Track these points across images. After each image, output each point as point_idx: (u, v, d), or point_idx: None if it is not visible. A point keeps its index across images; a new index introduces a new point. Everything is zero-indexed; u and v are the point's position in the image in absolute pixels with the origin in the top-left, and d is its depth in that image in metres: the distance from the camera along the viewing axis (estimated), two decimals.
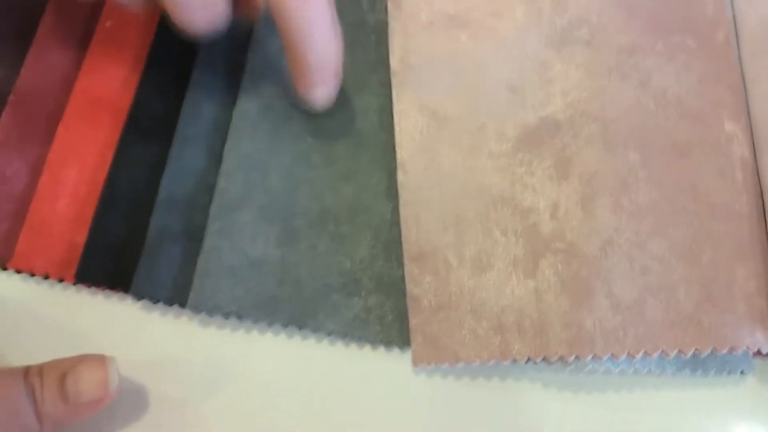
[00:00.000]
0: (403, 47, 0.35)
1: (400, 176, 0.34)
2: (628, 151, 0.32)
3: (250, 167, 0.35)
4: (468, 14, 0.35)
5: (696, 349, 0.29)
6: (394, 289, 0.33)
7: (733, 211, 0.31)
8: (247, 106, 0.35)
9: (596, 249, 0.31)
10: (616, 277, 0.30)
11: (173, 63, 0.36)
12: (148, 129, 0.35)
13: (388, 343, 0.32)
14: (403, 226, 0.33)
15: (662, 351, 0.29)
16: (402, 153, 0.34)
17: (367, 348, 0.33)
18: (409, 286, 0.32)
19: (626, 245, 0.31)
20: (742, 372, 0.31)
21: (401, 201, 0.34)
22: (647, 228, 0.31)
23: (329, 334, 0.33)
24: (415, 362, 0.31)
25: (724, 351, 0.29)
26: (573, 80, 0.33)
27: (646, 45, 0.33)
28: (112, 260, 0.33)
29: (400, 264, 0.33)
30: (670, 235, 0.31)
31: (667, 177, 0.31)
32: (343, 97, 0.36)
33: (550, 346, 0.30)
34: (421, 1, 0.36)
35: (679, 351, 0.29)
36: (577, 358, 0.30)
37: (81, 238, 0.33)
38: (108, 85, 0.36)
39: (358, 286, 0.33)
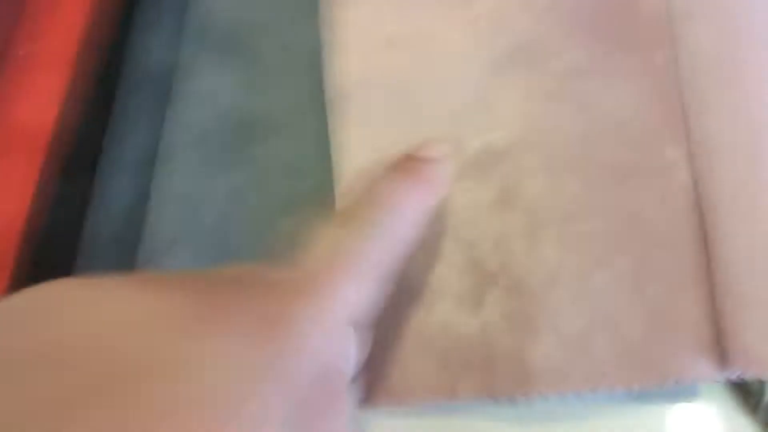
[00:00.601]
0: (338, 73, 0.34)
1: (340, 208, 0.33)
2: (571, 179, 0.31)
3: (181, 204, 0.33)
4: (406, 38, 0.34)
5: (643, 385, 0.29)
6: None
7: (676, 238, 0.30)
8: (175, 137, 0.34)
9: (542, 283, 0.30)
10: (562, 311, 0.30)
11: (96, 90, 0.34)
12: (71, 163, 0.33)
13: None
14: None
15: (609, 387, 0.29)
16: (342, 185, 0.33)
17: None
18: None
19: (571, 278, 0.30)
20: (688, 398, 0.31)
21: None
22: (591, 259, 0.30)
23: None
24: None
25: (671, 383, 0.29)
26: (513, 106, 0.32)
27: (585, 67, 0.32)
28: None
29: None
30: (614, 265, 0.30)
31: (609, 205, 0.31)
32: (277, 124, 0.34)
33: (496, 385, 0.29)
34: (357, 25, 0.34)
35: (626, 387, 0.29)
36: (524, 396, 0.29)
37: (1, 286, 0.31)
38: (25, 116, 0.33)
39: None
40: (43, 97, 0.34)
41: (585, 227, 0.31)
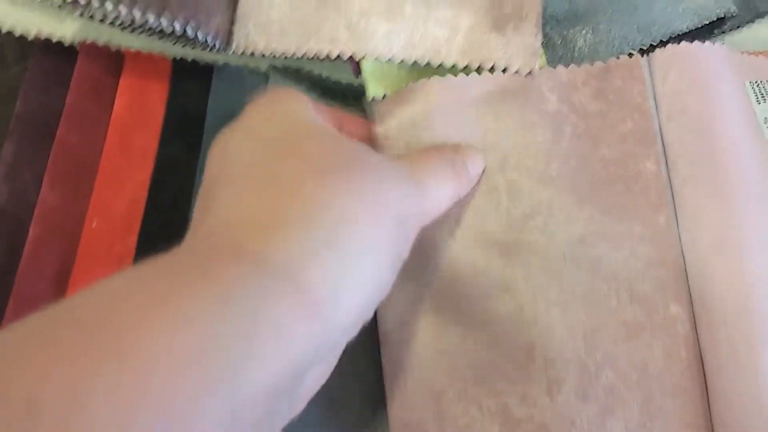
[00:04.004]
0: None
1: (383, 349, 0.37)
2: (586, 335, 0.35)
3: None
4: None
5: None
6: None
7: (680, 388, 0.34)
8: None
9: (561, 430, 0.35)
10: None
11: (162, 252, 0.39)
12: None
13: None
14: (388, 397, 0.37)
15: None
16: (384, 327, 0.37)
17: None
18: None
19: (587, 426, 0.35)
20: None
21: (385, 372, 0.37)
22: (605, 408, 0.35)
23: None
24: None
25: None
26: (532, 266, 0.36)
27: (595, 233, 0.36)
28: None
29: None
30: (625, 414, 0.35)
31: (620, 358, 0.35)
32: None
33: None
34: None
35: None
36: None
37: None
38: None
39: None
40: (114, 264, 0.38)
41: (600, 380, 0.35)
